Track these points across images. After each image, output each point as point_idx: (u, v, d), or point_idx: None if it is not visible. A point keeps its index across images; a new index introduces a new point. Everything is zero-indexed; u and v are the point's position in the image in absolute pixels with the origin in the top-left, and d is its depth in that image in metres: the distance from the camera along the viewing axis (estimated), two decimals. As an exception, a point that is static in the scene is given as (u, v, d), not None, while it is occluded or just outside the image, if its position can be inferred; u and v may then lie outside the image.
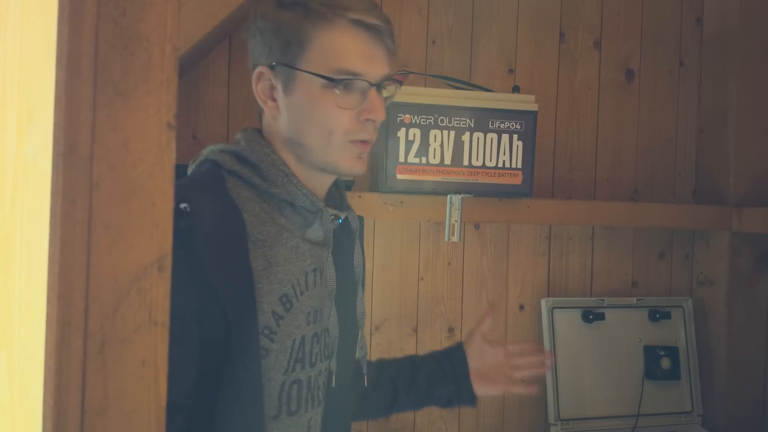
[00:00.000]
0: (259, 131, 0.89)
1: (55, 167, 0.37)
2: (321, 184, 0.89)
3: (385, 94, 0.87)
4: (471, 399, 1.10)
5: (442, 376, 1.09)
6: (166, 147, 0.41)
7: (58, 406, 0.37)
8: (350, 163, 0.84)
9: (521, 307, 1.65)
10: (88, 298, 0.38)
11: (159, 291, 0.41)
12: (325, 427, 0.91)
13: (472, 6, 1.62)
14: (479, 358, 1.12)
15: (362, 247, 1.01)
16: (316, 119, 0.82)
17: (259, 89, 0.85)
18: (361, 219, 1.01)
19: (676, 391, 1.64)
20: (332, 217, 0.90)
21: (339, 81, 0.79)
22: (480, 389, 1.10)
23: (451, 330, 1.61)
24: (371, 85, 0.82)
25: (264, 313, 0.78)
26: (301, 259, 0.84)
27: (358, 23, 0.80)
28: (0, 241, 0.43)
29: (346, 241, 0.96)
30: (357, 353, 0.96)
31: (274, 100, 0.85)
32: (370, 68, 0.82)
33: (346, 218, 0.94)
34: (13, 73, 0.42)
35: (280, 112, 0.85)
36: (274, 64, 0.83)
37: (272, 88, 0.84)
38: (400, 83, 0.92)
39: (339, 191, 0.98)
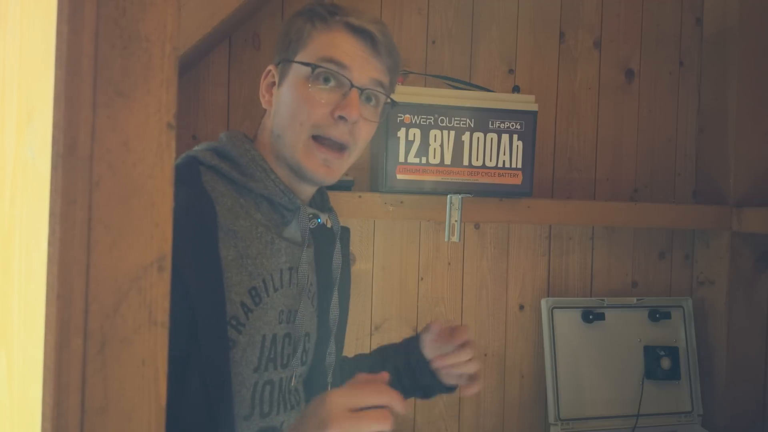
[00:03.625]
0: (244, 134, 0.91)
1: (54, 167, 0.37)
2: (302, 189, 0.89)
3: (373, 103, 0.88)
4: (444, 389, 1.02)
5: (410, 371, 1.03)
6: (166, 147, 0.41)
7: (58, 406, 0.37)
8: (314, 165, 0.84)
9: (521, 307, 1.65)
10: (87, 298, 0.38)
11: (159, 291, 0.41)
12: None
13: (472, 6, 1.62)
14: (435, 346, 1.01)
15: (345, 253, 1.00)
16: (293, 108, 0.84)
17: (263, 85, 0.90)
18: (346, 230, 1.00)
19: (676, 391, 1.64)
20: (310, 215, 0.89)
21: (315, 66, 0.82)
22: (446, 376, 1.01)
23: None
24: (352, 85, 0.83)
25: (232, 303, 0.78)
26: (276, 256, 0.83)
27: (353, 28, 0.84)
28: (0, 241, 0.43)
29: (326, 243, 0.95)
30: (326, 359, 0.95)
31: (270, 94, 0.90)
32: (356, 67, 0.83)
33: (327, 221, 0.94)
34: (12, 73, 0.42)
35: (272, 105, 0.89)
36: (278, 61, 0.88)
37: (273, 84, 0.89)
38: (394, 103, 0.92)
39: (321, 195, 0.99)
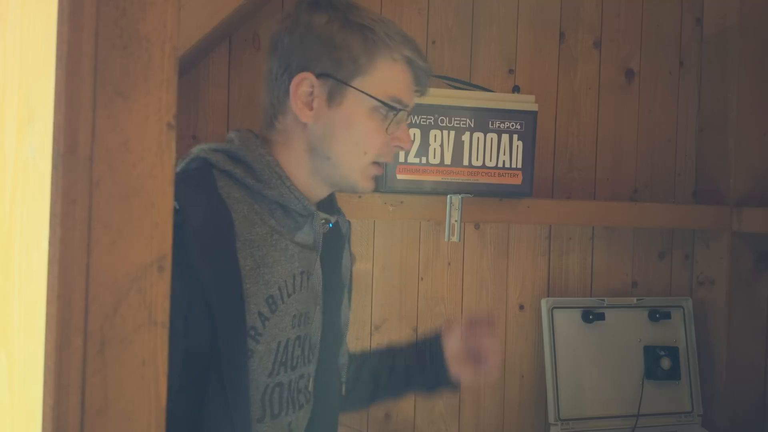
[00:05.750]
0: (254, 133, 0.89)
1: (55, 167, 0.37)
2: (317, 192, 0.90)
3: None
4: (450, 386, 1.08)
5: (421, 365, 1.08)
6: (166, 147, 0.41)
7: (58, 406, 0.37)
8: (367, 182, 0.89)
9: (521, 307, 1.65)
10: (88, 298, 0.38)
11: (159, 291, 0.41)
12: (313, 429, 0.91)
13: (472, 6, 1.62)
14: (456, 348, 1.08)
15: (348, 249, 1.01)
16: (355, 137, 0.85)
17: (298, 94, 0.84)
18: (348, 223, 1.01)
19: (676, 391, 1.64)
20: (323, 221, 0.90)
21: (393, 107, 0.85)
22: (457, 375, 1.07)
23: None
24: (407, 117, 0.90)
25: (251, 314, 0.78)
26: (290, 262, 0.83)
27: (410, 62, 0.87)
28: (0, 241, 0.43)
29: (335, 245, 0.96)
30: (339, 360, 0.96)
31: (311, 108, 0.85)
32: (411, 102, 0.89)
33: (336, 222, 0.95)
34: (13, 73, 0.42)
35: (315, 121, 0.85)
36: (321, 73, 0.83)
37: (311, 95, 0.84)
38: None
39: (329, 195, 0.99)
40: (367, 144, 0.86)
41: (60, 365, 0.37)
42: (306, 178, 0.87)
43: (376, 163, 0.88)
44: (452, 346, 1.08)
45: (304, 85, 0.84)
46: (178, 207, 0.72)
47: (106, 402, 0.39)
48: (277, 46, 0.87)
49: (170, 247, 0.42)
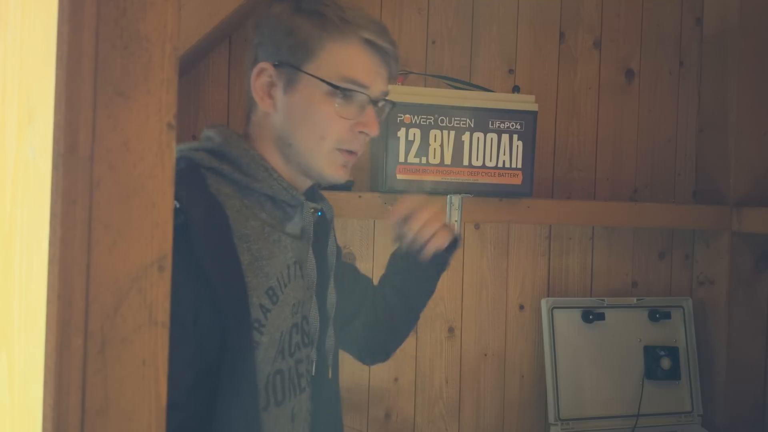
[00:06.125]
0: (234, 130, 0.90)
1: (55, 167, 0.37)
2: (298, 183, 0.90)
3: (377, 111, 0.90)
4: (442, 259, 1.05)
5: (411, 269, 1.06)
6: (167, 147, 0.41)
7: (58, 406, 0.37)
8: (334, 170, 0.87)
9: (521, 307, 1.65)
10: (88, 298, 0.38)
11: (159, 291, 0.41)
12: (313, 414, 0.92)
13: (472, 6, 1.62)
14: (406, 238, 1.03)
15: (334, 234, 1.02)
16: (311, 123, 0.85)
17: (258, 84, 0.86)
18: (332, 209, 1.02)
19: (676, 391, 1.64)
20: (312, 210, 0.91)
21: (343, 89, 0.83)
22: (429, 250, 1.02)
23: (451, 330, 1.61)
24: (371, 100, 0.86)
25: (254, 307, 0.79)
26: (284, 253, 0.85)
27: (368, 42, 0.84)
28: (0, 241, 0.43)
29: (322, 232, 0.97)
30: (326, 343, 0.97)
31: (271, 97, 0.86)
32: (373, 84, 0.86)
33: (321, 209, 0.96)
34: (13, 73, 0.42)
35: (276, 110, 0.86)
36: (278, 62, 0.85)
37: (271, 85, 0.86)
38: (393, 104, 0.94)
39: (312, 185, 0.99)
40: (324, 130, 0.84)
41: (60, 365, 0.37)
42: (282, 169, 0.88)
43: (344, 150, 0.86)
44: (403, 239, 1.03)
45: (263, 75, 0.86)
46: (179, 206, 0.72)
47: (106, 402, 0.39)
48: (249, 42, 0.90)
49: (170, 247, 0.42)
